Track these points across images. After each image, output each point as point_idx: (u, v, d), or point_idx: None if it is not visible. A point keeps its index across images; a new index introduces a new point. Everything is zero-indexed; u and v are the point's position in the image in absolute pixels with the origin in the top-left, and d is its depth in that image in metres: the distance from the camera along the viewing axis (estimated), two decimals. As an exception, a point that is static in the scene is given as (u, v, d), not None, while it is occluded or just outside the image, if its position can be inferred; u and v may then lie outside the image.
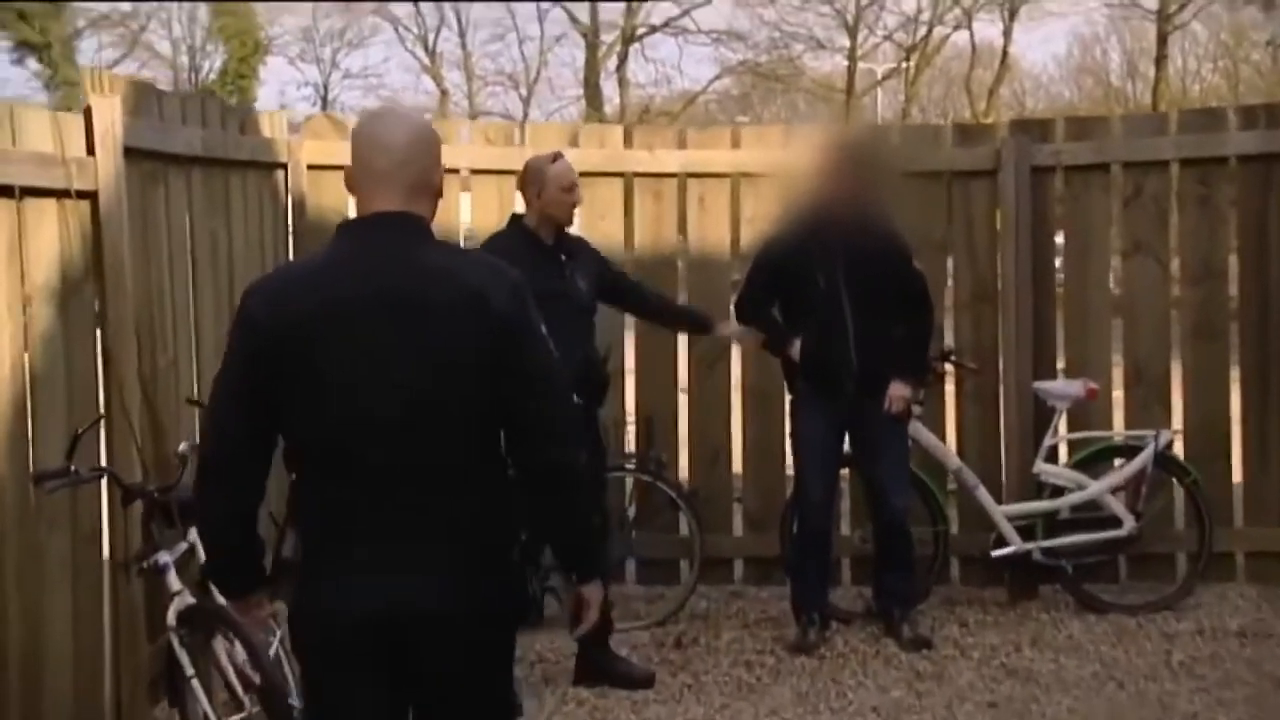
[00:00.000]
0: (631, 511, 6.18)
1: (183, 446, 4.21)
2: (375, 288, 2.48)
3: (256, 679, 3.84)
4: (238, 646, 3.93)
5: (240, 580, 2.73)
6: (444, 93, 37.71)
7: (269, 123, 5.88)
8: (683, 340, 6.37)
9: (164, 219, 4.72)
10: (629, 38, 35.59)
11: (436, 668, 2.56)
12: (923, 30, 35.03)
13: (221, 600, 4.17)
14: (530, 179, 4.97)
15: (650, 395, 6.31)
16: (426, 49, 37.81)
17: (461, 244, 5.45)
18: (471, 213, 6.21)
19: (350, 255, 2.54)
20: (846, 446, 5.63)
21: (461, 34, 37.92)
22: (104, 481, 4.18)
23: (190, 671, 3.97)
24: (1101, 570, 6.07)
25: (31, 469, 3.87)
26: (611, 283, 5.24)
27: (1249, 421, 6.18)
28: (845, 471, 5.88)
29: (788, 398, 5.74)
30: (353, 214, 2.65)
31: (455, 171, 5.92)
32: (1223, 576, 6.15)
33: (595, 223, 6.12)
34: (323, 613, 2.54)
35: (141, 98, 4.58)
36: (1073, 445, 6.11)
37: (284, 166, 5.98)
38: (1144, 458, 5.85)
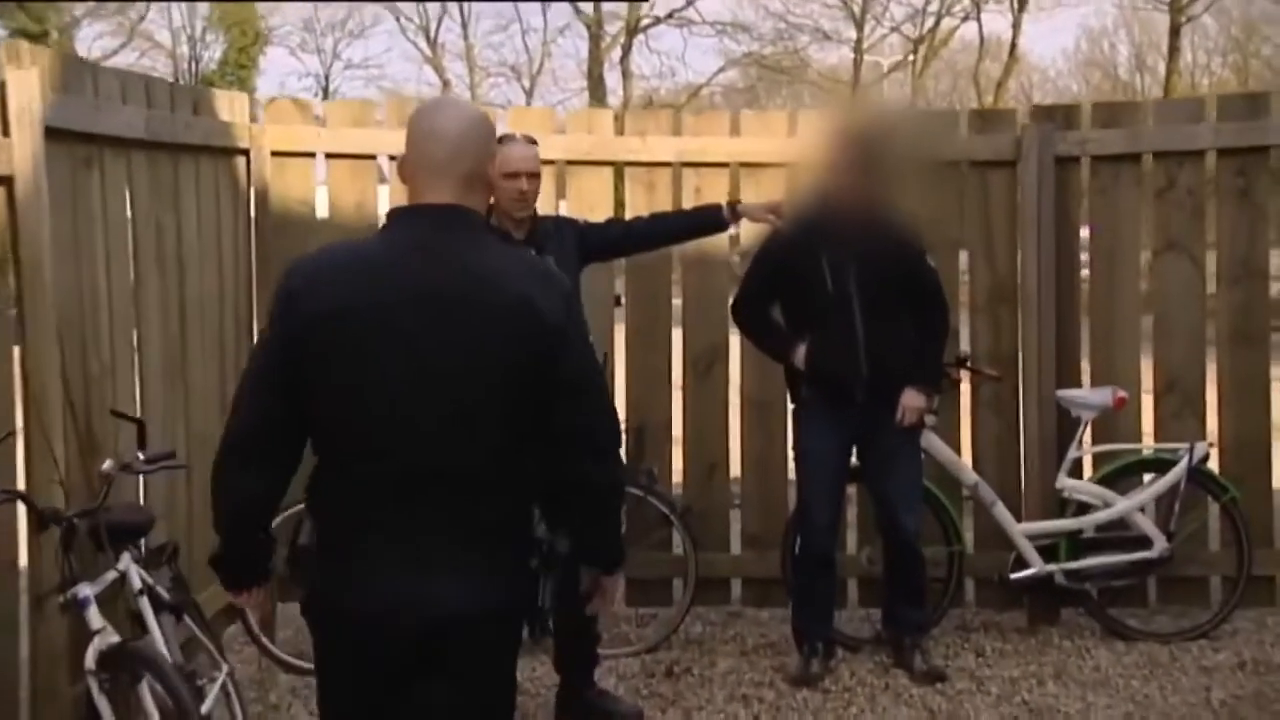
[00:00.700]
0: (621, 528, 5.71)
1: (107, 465, 3.75)
2: (421, 285, 2.44)
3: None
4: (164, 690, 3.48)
5: (245, 573, 2.70)
6: (446, 84, 37.42)
7: (228, 105, 5.41)
8: (676, 342, 5.93)
9: (99, 208, 4.26)
10: (633, 29, 35.50)
11: (449, 668, 2.53)
12: (930, 22, 34.79)
13: (157, 637, 3.74)
14: None
15: (641, 402, 5.86)
16: (428, 39, 37.74)
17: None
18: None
19: (399, 248, 2.50)
20: (854, 460, 5.18)
21: (464, 24, 37.83)
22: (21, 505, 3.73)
23: (110, 722, 3.53)
24: (1130, 594, 5.64)
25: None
26: (597, 245, 4.79)
27: (1290, 433, 5.73)
28: (852, 486, 5.44)
29: (790, 406, 5.27)
30: (392, 204, 2.65)
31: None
32: (1262, 602, 5.70)
33: (583, 216, 5.63)
34: (343, 610, 2.52)
35: (70, 73, 4.12)
36: (1099, 459, 5.70)
37: (245, 153, 5.52)
38: (1176, 473, 5.43)
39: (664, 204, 5.76)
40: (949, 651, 5.38)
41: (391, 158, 5.56)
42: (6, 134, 3.69)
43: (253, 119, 5.59)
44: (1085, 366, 5.87)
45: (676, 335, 5.94)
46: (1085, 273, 5.93)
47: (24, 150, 3.71)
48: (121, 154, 4.42)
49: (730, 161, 5.87)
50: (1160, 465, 5.55)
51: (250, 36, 37.00)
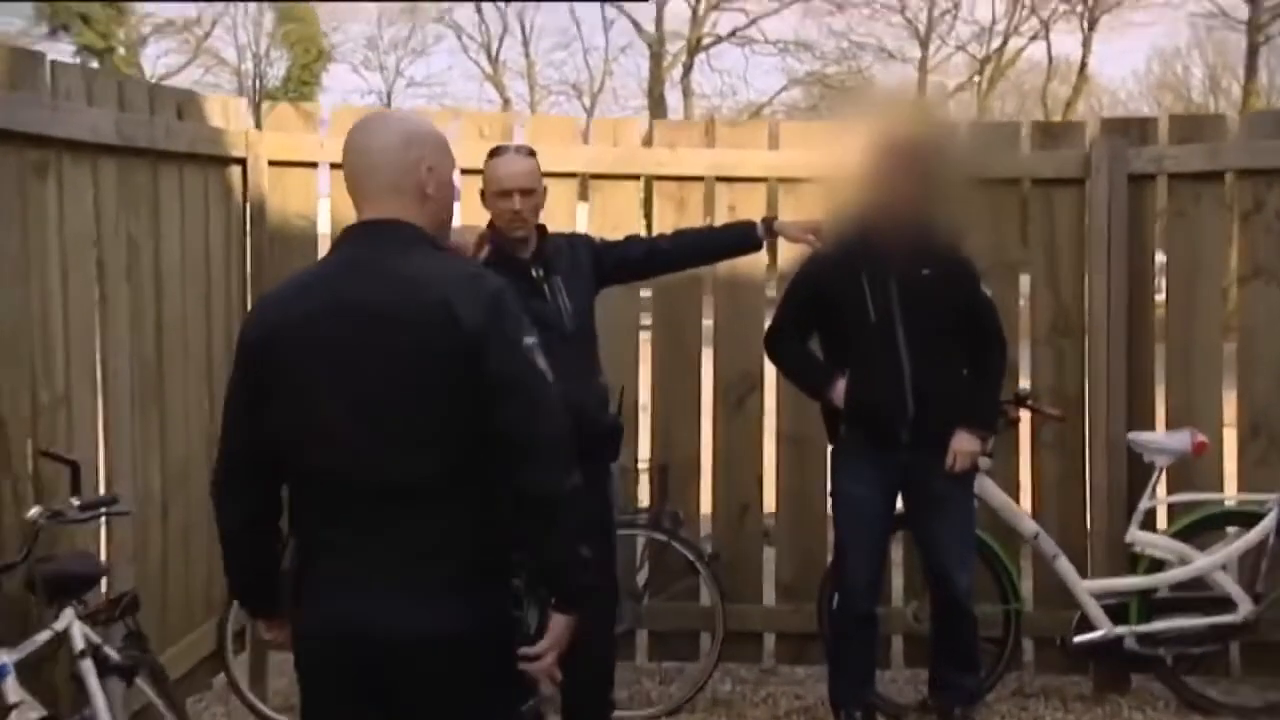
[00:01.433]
0: (643, 576, 5.25)
1: (33, 513, 3.32)
2: (345, 299, 2.42)
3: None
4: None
5: (256, 600, 2.73)
6: (506, 101, 37.46)
7: (221, 110, 5.01)
8: (707, 373, 5.44)
9: (54, 219, 3.84)
10: (694, 47, 35.55)
11: (406, 693, 2.45)
12: (997, 41, 34.24)
13: (99, 706, 3.31)
14: (485, 177, 4.06)
15: (666, 437, 5.38)
16: (490, 57, 37.85)
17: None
18: (461, 218, 5.29)
19: (333, 265, 2.53)
20: (898, 506, 4.66)
21: (525, 42, 37.75)
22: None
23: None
24: (1209, 662, 5.08)
25: None
26: (615, 265, 4.35)
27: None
28: (899, 532, 4.93)
29: (829, 446, 4.76)
30: None
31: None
32: (1360, 673, 5.09)
33: (606, 235, 5.16)
34: (302, 631, 2.54)
35: (20, 68, 3.71)
36: (1175, 510, 5.15)
37: (241, 162, 5.11)
38: (1264, 527, 4.87)
39: (694, 222, 5.28)
40: (1004, 723, 4.86)
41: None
42: (-62, 135, 3.29)
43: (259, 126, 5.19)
44: (1160, 406, 5.31)
45: (706, 362, 5.45)
46: (1160, 300, 5.37)
47: (-42, 153, 3.30)
48: (85, 160, 4.01)
49: (768, 176, 5.38)
50: (1245, 518, 4.99)
51: (313, 54, 37.47)
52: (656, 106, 34.74)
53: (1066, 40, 40.50)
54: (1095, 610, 4.96)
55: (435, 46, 44.97)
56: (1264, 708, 4.94)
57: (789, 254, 4.96)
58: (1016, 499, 5.18)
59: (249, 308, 5.12)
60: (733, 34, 35.39)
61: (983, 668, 4.87)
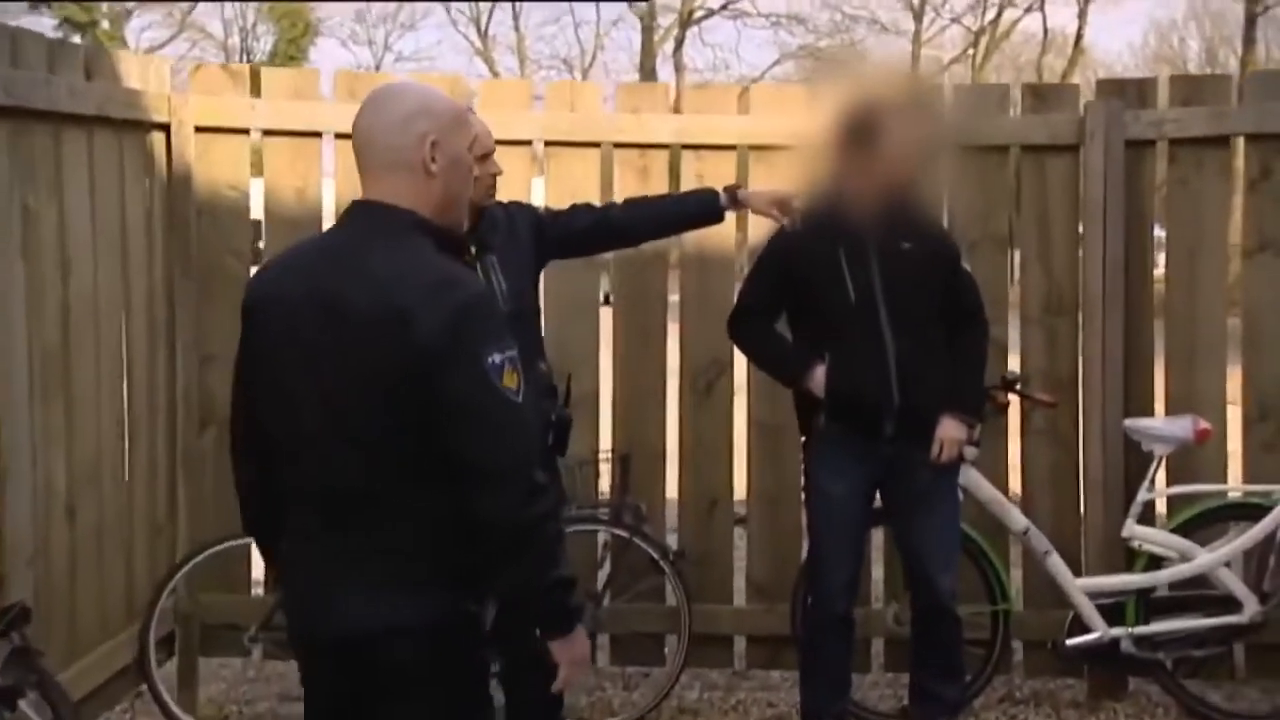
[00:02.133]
0: (603, 575, 4.89)
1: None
2: (314, 288, 2.34)
3: None
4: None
5: (270, 560, 2.70)
6: (496, 75, 37.04)
7: (139, 70, 4.60)
8: (672, 354, 5.06)
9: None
10: (686, 21, 35.37)
11: (360, 690, 2.41)
12: (992, 13, 33.93)
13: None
14: None
15: (629, 425, 5.00)
16: (479, 31, 37.70)
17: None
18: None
19: (320, 244, 2.49)
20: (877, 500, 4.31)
21: (515, 16, 37.45)
22: None
23: None
24: (1212, 665, 4.77)
25: None
26: (559, 238, 3.96)
27: None
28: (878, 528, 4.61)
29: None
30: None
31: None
32: (1373, 676, 4.77)
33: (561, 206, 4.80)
34: (287, 624, 2.57)
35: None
36: (1175, 502, 4.82)
37: (165, 128, 4.71)
38: (1271, 520, 4.54)
39: (659, 191, 4.88)
40: (991, 731, 4.52)
41: (339, 136, 4.78)
42: None
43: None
44: (1159, 390, 4.97)
45: (672, 343, 5.07)
46: (1160, 275, 5.03)
47: None
48: (-37, 123, 3.61)
49: (738, 143, 4.99)
50: (1250, 511, 4.65)
51: (300, 28, 37.37)
52: (648, 80, 34.47)
53: (1062, 12, 40.26)
54: (1089, 611, 4.63)
55: (424, 20, 44.68)
56: (1271, 713, 4.64)
57: (760, 228, 4.57)
58: (1005, 491, 4.82)
59: (173, 286, 4.76)
60: (724, 7, 35.46)
61: (968, 673, 4.53)
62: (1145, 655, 4.63)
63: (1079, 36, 33.34)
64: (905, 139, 4.11)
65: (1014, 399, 4.78)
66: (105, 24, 34.81)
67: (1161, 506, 4.87)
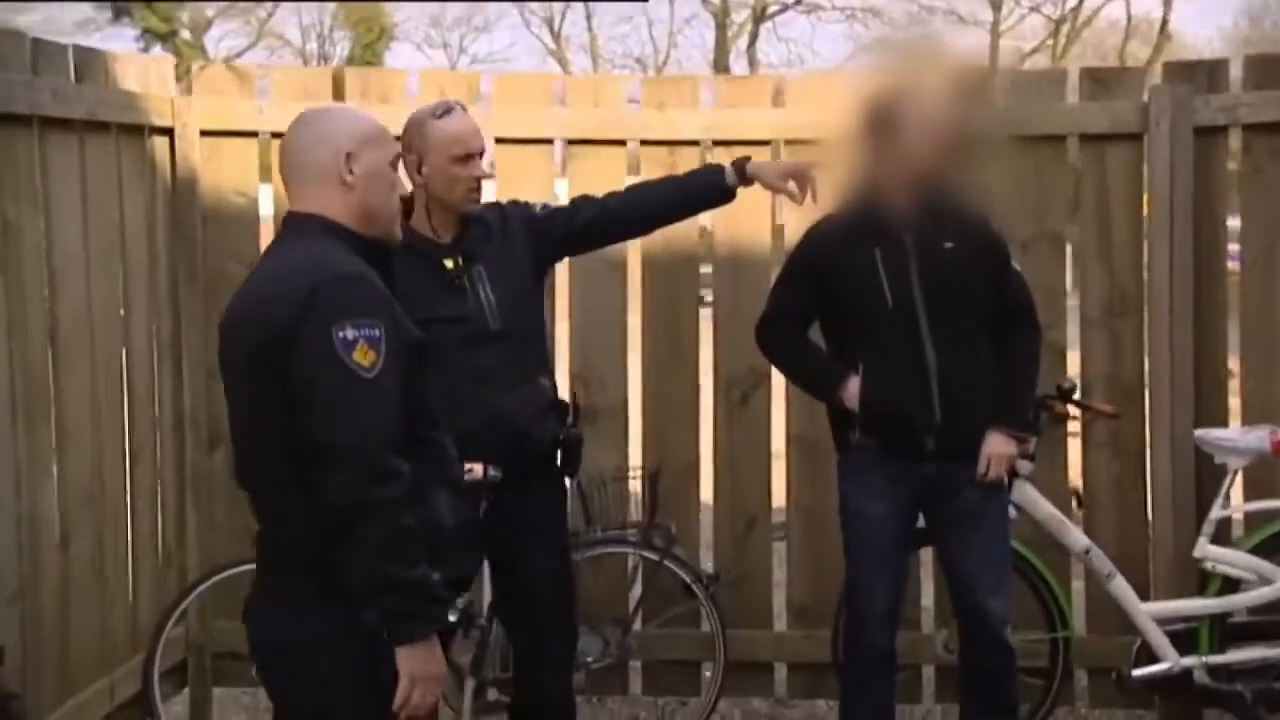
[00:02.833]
0: (634, 600, 4.64)
1: None
2: (237, 300, 2.50)
3: None
4: None
5: None
6: (569, 75, 37.27)
7: (139, 72, 4.40)
8: (706, 366, 4.78)
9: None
10: (760, 16, 35.45)
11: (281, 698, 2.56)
12: (1073, 1, 33.25)
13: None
14: (409, 143, 3.37)
15: (658, 441, 4.74)
16: (552, 33, 37.81)
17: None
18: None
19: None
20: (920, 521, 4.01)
21: (588, 16, 37.61)
22: None
23: None
24: (1296, 699, 4.45)
25: None
26: (560, 235, 3.64)
27: None
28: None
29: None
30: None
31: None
32: None
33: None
34: None
35: None
36: (1252, 520, 4.53)
37: (168, 132, 4.51)
38: (1358, 540, 4.24)
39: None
40: (1051, 771, 4.22)
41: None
42: None
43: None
44: (1234, 398, 4.67)
45: (705, 352, 4.80)
46: (1233, 271, 4.73)
47: None
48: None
49: (773, 138, 4.71)
50: (1336, 529, 4.34)
51: (376, 33, 37.79)
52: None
53: (1147, -2, 39.44)
54: (1159, 638, 4.32)
55: (499, 23, 44.98)
56: (1360, 753, 4.26)
57: (796, 221, 4.27)
58: (1065, 510, 4.51)
59: (178, 297, 4.57)
60: (799, 1, 35.16)
61: (1025, 704, 4.21)
62: (1221, 687, 4.33)
63: (1165, 22, 32.59)
64: (942, 126, 3.80)
65: (1073, 410, 4.46)
66: (186, 34, 35.22)
67: (1237, 524, 4.59)
